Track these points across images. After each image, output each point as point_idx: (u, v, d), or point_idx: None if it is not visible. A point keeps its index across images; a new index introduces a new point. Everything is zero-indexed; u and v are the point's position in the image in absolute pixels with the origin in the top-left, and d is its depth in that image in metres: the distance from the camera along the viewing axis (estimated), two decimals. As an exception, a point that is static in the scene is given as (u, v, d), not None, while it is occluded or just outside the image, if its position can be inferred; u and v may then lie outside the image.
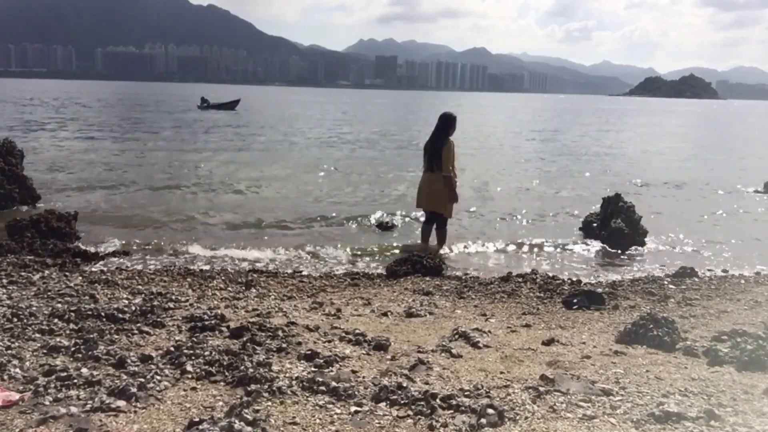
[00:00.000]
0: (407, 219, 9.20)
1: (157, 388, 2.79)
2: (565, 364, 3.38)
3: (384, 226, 8.64)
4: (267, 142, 21.63)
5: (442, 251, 7.20)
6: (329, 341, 3.67)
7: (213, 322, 3.87)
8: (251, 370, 2.97)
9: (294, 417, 2.56)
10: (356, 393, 2.79)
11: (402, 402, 2.71)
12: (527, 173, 15.15)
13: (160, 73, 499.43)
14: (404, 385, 2.88)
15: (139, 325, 3.79)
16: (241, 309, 4.50)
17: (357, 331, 3.85)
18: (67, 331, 3.57)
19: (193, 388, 2.84)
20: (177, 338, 3.60)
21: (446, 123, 6.96)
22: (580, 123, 43.24)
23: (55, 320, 3.73)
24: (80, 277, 5.15)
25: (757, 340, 3.61)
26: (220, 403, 2.69)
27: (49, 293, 4.46)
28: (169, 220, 8.60)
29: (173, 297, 4.61)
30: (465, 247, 7.60)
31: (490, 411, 2.55)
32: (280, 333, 3.69)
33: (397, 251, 7.33)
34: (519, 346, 3.78)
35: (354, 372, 3.12)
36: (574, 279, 6.17)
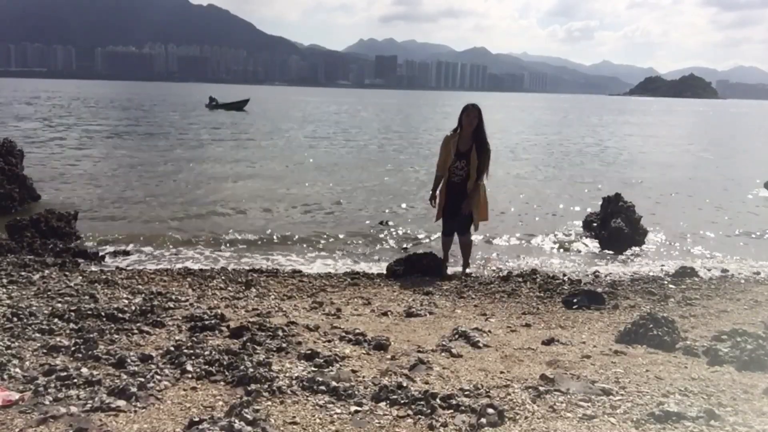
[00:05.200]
0: (408, 219, 9.20)
1: (157, 388, 2.78)
2: (565, 363, 3.38)
3: (384, 226, 8.65)
4: (272, 141, 21.62)
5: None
6: (329, 341, 3.67)
7: (213, 321, 3.87)
8: (251, 369, 2.97)
9: (294, 417, 2.56)
10: (356, 393, 2.79)
11: (402, 402, 2.71)
12: (526, 172, 15.14)
13: (160, 72, 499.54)
14: (404, 384, 2.88)
15: (139, 324, 3.79)
16: (241, 309, 4.50)
17: (357, 330, 3.85)
18: (67, 331, 3.57)
19: (193, 388, 2.84)
20: (177, 338, 3.59)
21: None
22: (580, 122, 43.24)
23: (55, 320, 3.73)
24: (80, 277, 5.15)
25: (757, 339, 3.62)
26: (220, 403, 2.69)
27: (49, 293, 4.46)
28: (169, 220, 8.60)
29: (173, 297, 4.61)
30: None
31: (490, 410, 2.55)
32: (280, 333, 3.69)
33: (397, 251, 7.32)
34: (519, 345, 3.78)
35: (354, 372, 3.12)
36: (574, 279, 6.17)
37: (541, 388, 2.89)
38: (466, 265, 6.40)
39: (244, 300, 4.81)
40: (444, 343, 3.71)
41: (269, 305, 4.64)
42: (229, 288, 5.22)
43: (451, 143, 6.01)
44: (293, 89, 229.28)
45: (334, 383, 2.86)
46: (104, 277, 5.24)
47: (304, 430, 2.46)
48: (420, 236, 8.17)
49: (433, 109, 61.17)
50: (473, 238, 6.65)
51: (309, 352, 3.33)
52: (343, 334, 3.80)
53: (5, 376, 2.84)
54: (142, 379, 2.82)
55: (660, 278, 6.30)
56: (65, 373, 2.84)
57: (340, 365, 3.20)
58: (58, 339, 3.40)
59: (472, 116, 5.88)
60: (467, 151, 5.92)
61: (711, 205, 11.32)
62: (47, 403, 2.58)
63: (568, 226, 8.98)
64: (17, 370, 2.91)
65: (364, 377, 3.04)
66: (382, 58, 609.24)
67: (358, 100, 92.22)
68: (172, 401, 2.69)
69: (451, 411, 2.65)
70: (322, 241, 7.78)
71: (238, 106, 44.48)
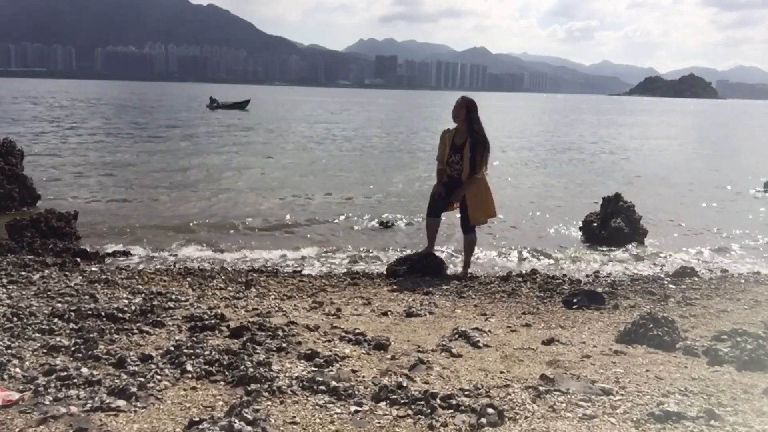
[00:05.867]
0: (408, 219, 9.20)
1: (157, 388, 2.78)
2: (565, 363, 3.38)
3: (384, 226, 8.65)
4: (273, 142, 21.63)
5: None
6: (329, 341, 3.67)
7: (213, 321, 3.87)
8: (251, 369, 2.97)
9: (294, 416, 2.56)
10: (356, 392, 2.79)
11: (402, 401, 2.71)
12: (526, 172, 15.14)
13: (160, 72, 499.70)
14: (404, 384, 2.88)
15: (139, 324, 3.79)
16: (241, 308, 4.49)
17: (357, 330, 3.85)
18: (67, 331, 3.57)
19: (193, 388, 2.84)
20: (177, 338, 3.59)
21: None
22: (580, 122, 43.24)
23: (55, 320, 3.73)
24: (80, 277, 5.14)
25: (757, 339, 3.62)
26: (220, 403, 2.69)
27: (49, 293, 4.46)
28: (169, 220, 8.60)
29: (173, 296, 4.61)
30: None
31: (490, 410, 2.55)
32: (280, 332, 3.68)
33: (397, 251, 7.32)
34: (519, 345, 3.78)
35: (354, 371, 3.12)
36: (574, 279, 6.17)
37: (541, 388, 2.89)
38: (467, 264, 6.36)
39: (244, 300, 4.81)
40: (444, 343, 3.71)
41: (269, 305, 4.64)
42: (229, 288, 5.22)
43: (447, 137, 5.99)
44: (293, 89, 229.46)
45: (334, 383, 2.86)
46: (104, 277, 5.23)
47: (304, 430, 2.46)
48: (420, 236, 8.16)
49: (433, 110, 61.15)
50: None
51: (309, 352, 3.33)
52: (343, 334, 3.80)
53: (5, 376, 2.84)
54: (142, 379, 2.82)
55: (660, 278, 6.30)
56: (65, 373, 2.84)
57: (340, 365, 3.20)
58: (58, 339, 3.39)
59: (457, 108, 5.86)
60: (462, 144, 5.86)
61: (711, 204, 11.33)
62: (47, 403, 2.58)
63: (568, 226, 8.98)
64: (17, 370, 2.91)
65: (364, 377, 3.04)
66: (382, 58, 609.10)
67: (358, 100, 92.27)
68: (172, 401, 2.69)
69: (451, 411, 2.65)
70: (323, 241, 7.78)
71: (240, 106, 44.52)
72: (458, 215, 6.34)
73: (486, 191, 6.05)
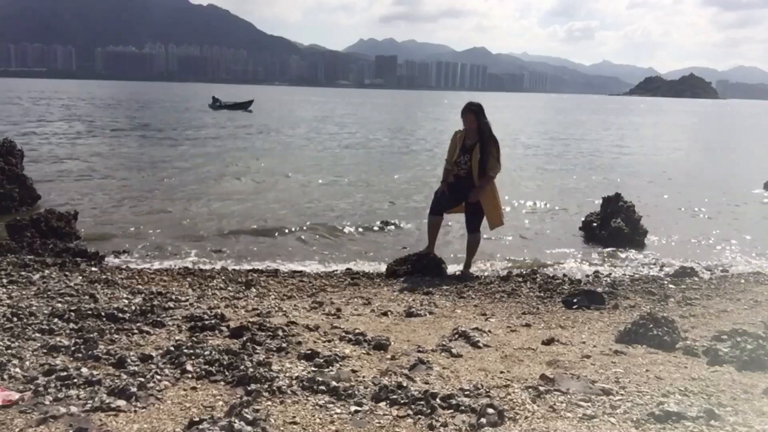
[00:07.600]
0: (408, 219, 9.19)
1: (157, 388, 2.78)
2: (565, 363, 3.38)
3: (384, 226, 8.64)
4: (274, 141, 21.62)
5: None
6: (329, 341, 3.68)
7: (213, 321, 3.87)
8: (251, 369, 2.97)
9: (294, 416, 2.56)
10: (356, 392, 2.79)
11: (402, 401, 2.71)
12: (526, 172, 15.14)
13: (160, 72, 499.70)
14: (404, 384, 2.88)
15: (139, 324, 3.79)
16: (241, 308, 4.50)
17: (357, 330, 3.85)
18: (67, 331, 3.57)
19: (193, 388, 2.84)
20: (177, 338, 3.59)
21: None
22: (581, 122, 43.24)
23: (55, 320, 3.73)
24: (80, 277, 5.14)
25: (757, 339, 3.62)
26: (220, 403, 2.69)
27: (49, 293, 4.46)
28: (169, 220, 8.60)
29: (173, 296, 4.61)
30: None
31: (490, 410, 2.54)
32: (280, 332, 3.69)
33: (397, 251, 7.32)
34: (519, 345, 3.78)
35: (354, 371, 3.12)
36: (574, 279, 6.17)
37: (541, 388, 2.89)
38: (468, 264, 6.37)
39: (244, 300, 4.82)
40: (444, 343, 3.71)
41: (269, 305, 4.64)
42: (229, 288, 5.22)
43: (458, 137, 6.12)
44: (293, 89, 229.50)
45: (334, 383, 2.86)
46: (104, 277, 5.23)
47: (304, 430, 2.46)
48: (421, 236, 8.16)
49: (433, 109, 61.15)
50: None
51: (309, 352, 3.33)
52: (343, 334, 3.80)
53: (5, 376, 2.84)
54: (142, 379, 2.82)
55: (660, 278, 6.30)
56: (65, 373, 2.84)
57: (340, 365, 3.20)
58: (58, 339, 3.39)
59: (466, 120, 5.99)
60: (472, 146, 5.98)
61: (711, 204, 11.32)
62: (47, 403, 2.58)
63: (569, 226, 8.98)
64: (17, 370, 2.91)
65: (364, 377, 3.04)
66: (382, 58, 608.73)
67: (359, 100, 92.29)
68: (172, 401, 2.69)
69: (451, 411, 2.65)
70: (323, 241, 7.78)
71: (243, 106, 44.44)
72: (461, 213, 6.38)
73: (496, 196, 6.14)
